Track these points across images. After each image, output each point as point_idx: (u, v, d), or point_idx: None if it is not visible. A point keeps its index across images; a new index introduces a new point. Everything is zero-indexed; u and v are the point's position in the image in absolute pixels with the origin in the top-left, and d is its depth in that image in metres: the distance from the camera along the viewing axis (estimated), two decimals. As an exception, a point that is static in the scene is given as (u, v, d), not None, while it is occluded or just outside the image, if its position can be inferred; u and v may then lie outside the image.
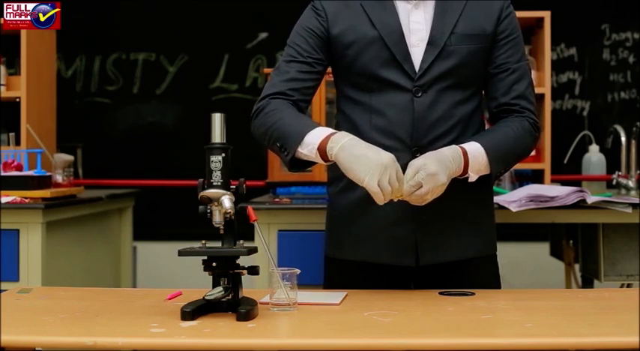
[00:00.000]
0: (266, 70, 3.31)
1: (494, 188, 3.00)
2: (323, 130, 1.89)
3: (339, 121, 2.11)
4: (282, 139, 1.93)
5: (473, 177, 1.97)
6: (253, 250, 1.76)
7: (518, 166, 3.19)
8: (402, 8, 2.02)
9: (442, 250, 2.04)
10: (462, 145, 1.96)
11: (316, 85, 2.07)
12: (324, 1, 2.06)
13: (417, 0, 2.02)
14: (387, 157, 1.80)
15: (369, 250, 1.98)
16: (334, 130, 1.89)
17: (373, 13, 2.01)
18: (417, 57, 2.00)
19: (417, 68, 2.00)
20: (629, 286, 3.00)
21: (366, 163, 1.79)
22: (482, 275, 2.11)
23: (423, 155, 1.91)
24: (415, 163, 1.88)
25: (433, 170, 1.86)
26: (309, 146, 1.89)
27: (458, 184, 1.96)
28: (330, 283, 2.14)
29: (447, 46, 2.00)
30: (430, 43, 2.00)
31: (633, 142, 3.37)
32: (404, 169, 1.93)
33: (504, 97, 2.07)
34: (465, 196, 2.01)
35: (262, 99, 2.02)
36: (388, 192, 1.78)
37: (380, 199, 1.79)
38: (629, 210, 2.69)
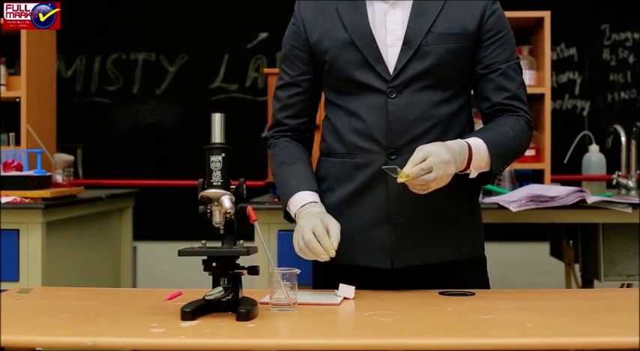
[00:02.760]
0: (266, 70, 3.30)
1: (495, 188, 3.01)
2: (300, 199, 2.01)
3: (324, 126, 2.12)
4: (279, 193, 2.13)
5: (474, 173, 1.94)
6: (253, 250, 1.76)
7: (519, 166, 3.19)
8: (378, 8, 2.00)
9: (418, 252, 2.01)
10: (466, 139, 1.93)
11: (310, 102, 2.14)
12: (302, 9, 2.07)
13: (394, 0, 2.01)
14: (306, 227, 1.91)
15: (346, 252, 1.97)
16: (309, 200, 2.00)
17: (346, 16, 2.01)
18: (393, 57, 1.98)
19: (391, 69, 1.98)
20: (629, 286, 3.00)
21: (297, 230, 1.95)
22: (467, 278, 2.06)
23: (431, 143, 1.88)
24: (425, 149, 1.85)
25: (447, 158, 1.83)
26: (291, 212, 2.04)
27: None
28: (318, 285, 2.13)
29: (423, 45, 1.97)
30: (405, 42, 1.98)
31: (633, 142, 3.37)
32: (383, 171, 1.93)
33: (496, 98, 2.04)
34: (446, 198, 1.97)
35: (270, 128, 2.18)
36: (304, 248, 1.90)
37: (307, 254, 1.92)
38: (629, 210, 2.69)
